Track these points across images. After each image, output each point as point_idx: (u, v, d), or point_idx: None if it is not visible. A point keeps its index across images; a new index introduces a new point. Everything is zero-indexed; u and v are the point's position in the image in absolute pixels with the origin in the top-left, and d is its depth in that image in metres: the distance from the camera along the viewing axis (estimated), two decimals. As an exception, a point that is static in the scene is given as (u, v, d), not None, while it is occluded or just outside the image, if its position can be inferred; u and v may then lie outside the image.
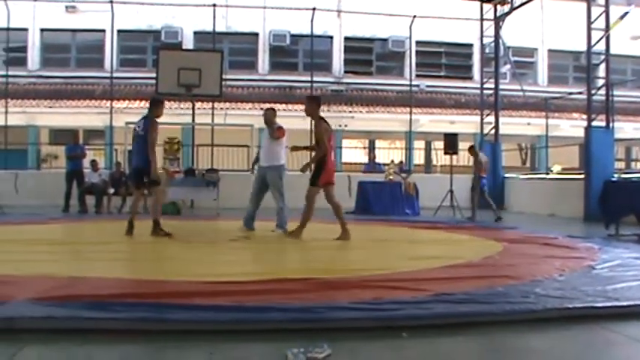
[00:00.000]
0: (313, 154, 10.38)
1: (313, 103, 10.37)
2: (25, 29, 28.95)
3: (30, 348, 3.78)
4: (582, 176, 16.49)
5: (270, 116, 11.57)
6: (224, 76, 19.64)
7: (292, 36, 30.08)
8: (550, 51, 32.72)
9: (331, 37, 30.99)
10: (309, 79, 24.27)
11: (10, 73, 23.80)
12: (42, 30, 29.98)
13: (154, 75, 18.84)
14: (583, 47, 17.56)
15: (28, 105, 27.78)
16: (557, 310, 4.81)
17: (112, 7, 22.85)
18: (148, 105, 10.63)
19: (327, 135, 9.99)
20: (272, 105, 25.36)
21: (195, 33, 29.42)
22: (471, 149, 16.91)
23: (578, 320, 4.69)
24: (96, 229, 9.86)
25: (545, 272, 6.43)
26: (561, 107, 28.79)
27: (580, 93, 20.66)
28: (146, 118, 10.18)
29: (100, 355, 3.79)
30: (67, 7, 28.82)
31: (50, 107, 28.12)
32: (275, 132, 11.18)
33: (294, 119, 25.38)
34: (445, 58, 32.48)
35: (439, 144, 21.57)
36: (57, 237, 9.43)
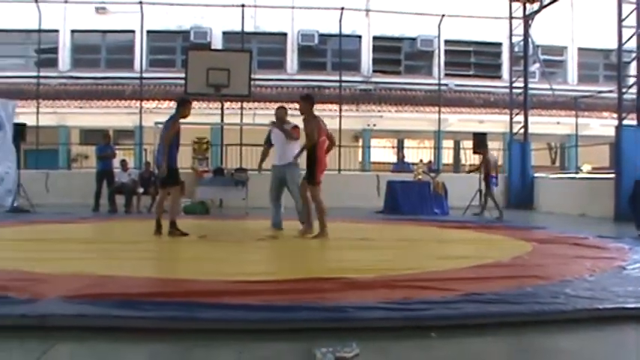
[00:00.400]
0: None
1: (307, 102, 10.56)
2: (56, 31, 29.27)
3: (61, 345, 3.83)
4: (612, 176, 16.32)
5: (282, 115, 11.76)
6: (253, 76, 19.70)
7: (321, 36, 30.07)
8: (580, 49, 32.39)
9: (360, 37, 30.96)
10: (337, 78, 24.30)
11: (41, 74, 24.09)
12: (72, 31, 30.24)
13: (183, 75, 18.95)
14: (613, 45, 17.39)
15: (59, 105, 28.07)
16: (588, 310, 4.76)
17: (141, 7, 23.01)
18: (174, 104, 10.67)
19: (318, 131, 10.19)
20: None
21: (224, 33, 29.52)
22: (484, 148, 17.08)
23: (609, 321, 4.64)
24: (125, 229, 9.94)
25: (575, 272, 6.37)
26: (591, 106, 28.56)
27: (610, 91, 20.42)
28: (170, 117, 10.26)
29: (130, 353, 3.83)
30: (97, 8, 29.05)
31: (81, 108, 28.41)
32: (293, 133, 11.28)
33: (322, 118, 25.44)
34: (474, 57, 32.29)
35: (468, 143, 21.46)
36: (87, 236, 9.53)
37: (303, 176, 10.48)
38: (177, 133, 10.18)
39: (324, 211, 10.14)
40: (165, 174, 9.92)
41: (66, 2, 25.10)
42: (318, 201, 10.13)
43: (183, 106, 10.28)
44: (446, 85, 28.92)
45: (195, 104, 23.05)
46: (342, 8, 23.32)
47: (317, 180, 10.12)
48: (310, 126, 10.18)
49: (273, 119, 11.83)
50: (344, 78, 24.50)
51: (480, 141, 17.29)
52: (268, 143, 11.93)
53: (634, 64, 16.57)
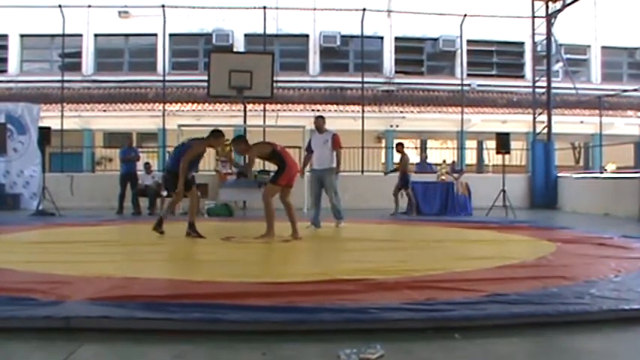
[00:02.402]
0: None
1: (241, 144, 10.57)
2: (80, 35, 29.55)
3: (86, 347, 3.84)
4: (637, 175, 16.21)
5: (320, 124, 12.48)
6: (275, 78, 19.70)
7: (343, 37, 30.12)
8: (603, 48, 32.11)
9: (382, 38, 30.95)
10: (359, 79, 24.31)
11: (65, 78, 24.28)
12: (96, 35, 30.51)
13: (205, 78, 18.99)
14: (638, 43, 17.30)
15: (83, 109, 28.29)
16: (613, 311, 4.71)
17: (163, 11, 23.14)
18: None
19: (261, 151, 10.53)
20: (323, 106, 25.54)
21: (246, 35, 29.61)
22: (399, 146, 17.63)
23: (635, 322, 4.59)
24: (149, 231, 9.97)
25: (600, 273, 6.32)
26: (615, 105, 28.39)
27: (635, 90, 20.33)
28: (197, 139, 10.45)
29: (155, 355, 3.84)
30: (119, 12, 29.26)
31: (104, 111, 28.62)
32: (337, 143, 12.19)
33: (345, 120, 25.52)
34: (496, 57, 32.17)
35: (491, 143, 21.39)
36: (112, 238, 9.58)
37: (270, 179, 10.88)
38: (199, 155, 10.49)
39: (272, 214, 10.30)
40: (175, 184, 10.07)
41: (89, 7, 25.24)
42: (268, 202, 10.29)
43: (216, 139, 10.52)
44: (468, 85, 28.86)
45: (217, 106, 23.12)
46: (364, 9, 23.34)
47: (280, 182, 10.31)
48: (252, 154, 10.43)
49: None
50: (366, 79, 24.48)
51: (503, 141, 17.25)
52: (309, 150, 12.62)
53: (659, 63, 16.43)
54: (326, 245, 9.86)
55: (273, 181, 10.41)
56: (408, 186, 17.25)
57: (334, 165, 12.27)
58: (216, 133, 10.60)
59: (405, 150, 17.72)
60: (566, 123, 27.09)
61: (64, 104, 23.96)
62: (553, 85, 22.49)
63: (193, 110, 27.50)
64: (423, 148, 33.29)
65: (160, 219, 10.34)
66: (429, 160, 27.24)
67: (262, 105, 22.99)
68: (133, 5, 27.31)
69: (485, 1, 26.09)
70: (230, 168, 17.32)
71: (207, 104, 27.12)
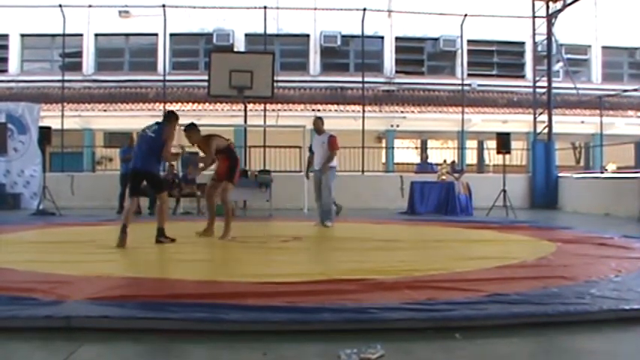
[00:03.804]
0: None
1: (194, 134, 10.31)
2: (80, 35, 29.53)
3: (87, 347, 3.86)
4: (638, 175, 16.20)
5: (319, 125, 12.63)
6: (275, 78, 19.71)
7: (343, 37, 30.10)
8: (604, 47, 32.07)
9: (382, 38, 30.93)
10: (360, 79, 24.33)
11: (66, 77, 24.28)
12: (96, 35, 30.50)
13: (206, 77, 19.00)
14: (638, 43, 17.29)
15: (84, 109, 28.27)
16: (614, 311, 4.72)
17: (164, 11, 23.15)
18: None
19: (219, 144, 10.44)
20: (323, 106, 25.56)
21: (247, 35, 29.60)
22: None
23: (635, 322, 4.60)
24: (149, 231, 9.95)
25: (600, 273, 6.32)
26: (616, 105, 28.40)
27: (635, 90, 20.33)
28: (160, 124, 9.60)
29: (155, 354, 3.86)
30: (120, 12, 29.25)
31: (105, 111, 28.61)
32: (332, 144, 12.26)
33: (345, 120, 25.54)
34: (497, 57, 32.13)
35: (492, 143, 21.38)
36: (112, 238, 9.57)
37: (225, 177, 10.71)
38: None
39: (230, 212, 10.58)
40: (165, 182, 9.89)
41: (90, 6, 25.26)
42: (226, 201, 10.57)
43: (175, 121, 9.74)
44: (469, 85, 28.86)
45: (218, 106, 23.12)
46: (365, 9, 23.33)
47: (235, 180, 10.63)
48: (209, 145, 10.33)
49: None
50: (367, 79, 24.49)
51: (503, 141, 17.26)
52: (312, 151, 12.84)
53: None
54: (326, 245, 9.87)
55: (230, 179, 10.52)
56: None
57: (334, 165, 12.48)
58: (172, 115, 9.78)
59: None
60: (566, 123, 27.06)
61: (65, 104, 23.99)
62: (554, 85, 22.48)
63: (194, 110, 27.45)
64: (424, 148, 33.31)
65: (160, 229, 9.63)
66: (429, 160, 27.27)
67: (263, 105, 22.99)
68: (133, 5, 27.31)
69: (485, 1, 26.07)
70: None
71: (207, 104, 27.10)
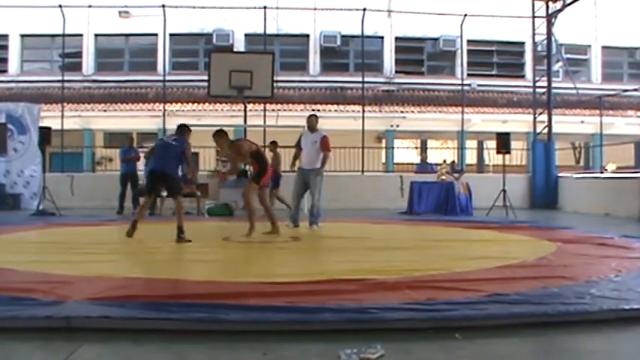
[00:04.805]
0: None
1: (223, 139, 10.67)
2: (80, 35, 29.51)
3: (87, 347, 3.86)
4: (638, 175, 16.20)
5: (313, 123, 12.40)
6: (275, 78, 19.69)
7: (343, 37, 30.09)
8: (604, 47, 32.04)
9: (382, 38, 30.91)
10: (360, 79, 24.33)
11: (66, 78, 24.27)
12: (96, 35, 30.47)
13: (205, 77, 18.97)
14: (638, 43, 17.28)
15: (84, 109, 28.24)
16: (614, 311, 4.72)
17: (164, 11, 23.14)
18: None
19: (249, 150, 10.68)
20: (323, 106, 25.55)
21: (247, 35, 29.58)
22: (273, 144, 17.74)
23: (635, 322, 4.60)
24: (149, 231, 9.98)
25: (600, 273, 6.32)
26: (616, 105, 28.40)
27: (635, 90, 20.32)
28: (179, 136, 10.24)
29: (155, 355, 3.85)
30: (120, 12, 29.23)
31: (105, 111, 28.58)
32: (325, 145, 12.06)
33: (345, 120, 25.55)
34: (497, 57, 32.12)
35: (491, 143, 21.36)
36: (112, 238, 9.57)
37: (250, 177, 11.11)
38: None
39: (253, 212, 10.73)
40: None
41: (90, 7, 25.26)
42: (250, 201, 10.76)
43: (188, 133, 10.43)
44: (469, 85, 28.85)
45: (218, 106, 23.12)
46: (364, 9, 23.33)
47: (262, 183, 10.82)
48: (236, 151, 10.70)
49: (302, 124, 12.46)
50: (366, 79, 24.49)
51: (503, 141, 17.26)
52: (299, 147, 12.55)
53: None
54: (326, 245, 9.87)
55: (256, 180, 10.68)
56: (278, 186, 17.22)
57: (323, 169, 12.30)
58: (184, 128, 10.52)
59: (278, 150, 17.66)
60: (566, 123, 27.04)
61: (65, 104, 23.95)
62: (553, 84, 22.47)
63: (194, 110, 27.46)
64: (424, 148, 33.30)
65: (180, 228, 9.77)
66: (429, 160, 27.27)
67: (262, 105, 22.99)
68: (133, 5, 27.28)
69: (485, 1, 26.06)
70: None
71: (207, 104, 27.09)
